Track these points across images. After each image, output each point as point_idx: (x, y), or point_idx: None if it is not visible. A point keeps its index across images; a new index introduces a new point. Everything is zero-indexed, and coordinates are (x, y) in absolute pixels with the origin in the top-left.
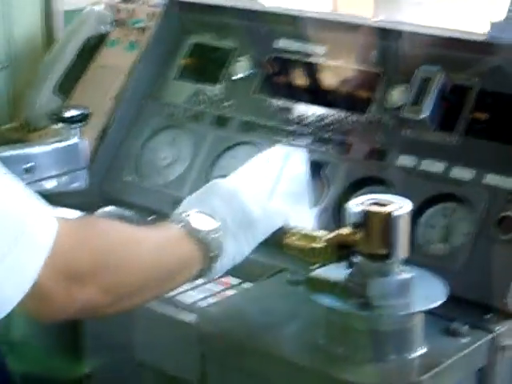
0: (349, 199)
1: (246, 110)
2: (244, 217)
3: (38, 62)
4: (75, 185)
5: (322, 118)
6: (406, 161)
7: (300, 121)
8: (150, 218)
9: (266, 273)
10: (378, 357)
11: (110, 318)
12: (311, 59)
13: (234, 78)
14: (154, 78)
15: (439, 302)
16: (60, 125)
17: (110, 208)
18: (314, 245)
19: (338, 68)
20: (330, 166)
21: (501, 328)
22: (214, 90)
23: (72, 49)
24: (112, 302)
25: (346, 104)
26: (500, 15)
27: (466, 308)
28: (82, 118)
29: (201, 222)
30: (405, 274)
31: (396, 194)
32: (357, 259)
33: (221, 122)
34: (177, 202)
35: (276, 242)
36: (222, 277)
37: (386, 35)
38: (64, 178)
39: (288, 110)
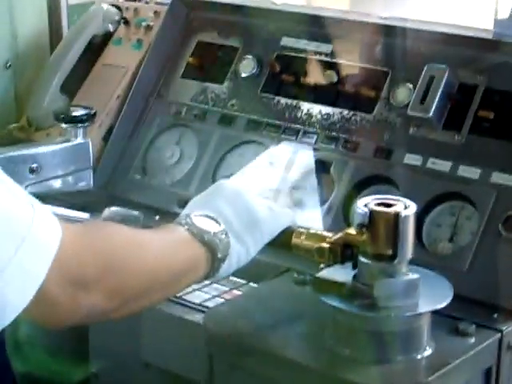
0: (355, 198)
1: (252, 108)
2: (250, 218)
3: (44, 60)
4: (81, 185)
5: (328, 117)
6: (412, 159)
7: (306, 119)
8: (156, 218)
9: (273, 273)
10: (385, 358)
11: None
12: (317, 57)
13: (240, 76)
14: (160, 77)
15: (446, 303)
16: (66, 124)
17: (115, 208)
18: (321, 245)
19: (344, 66)
20: (337, 164)
21: (508, 327)
22: (220, 88)
23: (78, 47)
24: (118, 307)
25: (353, 102)
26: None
27: (473, 308)
28: (88, 118)
29: (207, 223)
30: (411, 274)
31: (402, 192)
32: (363, 260)
33: (227, 120)
34: (183, 201)
35: (283, 241)
36: (228, 277)
37: (392, 33)
38: (70, 178)
39: (294, 108)
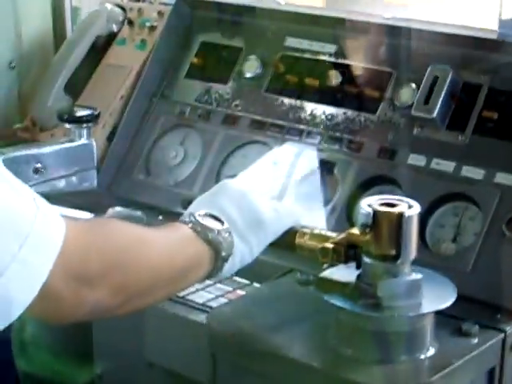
0: (359, 198)
1: (256, 108)
2: (254, 217)
3: (48, 60)
4: (85, 185)
5: (332, 117)
6: (416, 160)
7: (310, 120)
8: (159, 218)
9: (276, 273)
10: (389, 358)
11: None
12: (321, 58)
13: (244, 76)
14: (164, 77)
15: (449, 303)
16: (70, 125)
17: (119, 208)
18: (325, 245)
19: (348, 67)
20: (341, 164)
21: (511, 328)
22: (224, 88)
23: (82, 47)
24: (122, 303)
25: (356, 103)
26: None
27: (477, 308)
28: (92, 118)
29: (211, 222)
30: (415, 274)
31: (406, 192)
32: (366, 260)
33: (231, 120)
34: (187, 201)
35: (287, 241)
36: (231, 277)
37: (395, 33)
38: (73, 178)
39: (298, 108)
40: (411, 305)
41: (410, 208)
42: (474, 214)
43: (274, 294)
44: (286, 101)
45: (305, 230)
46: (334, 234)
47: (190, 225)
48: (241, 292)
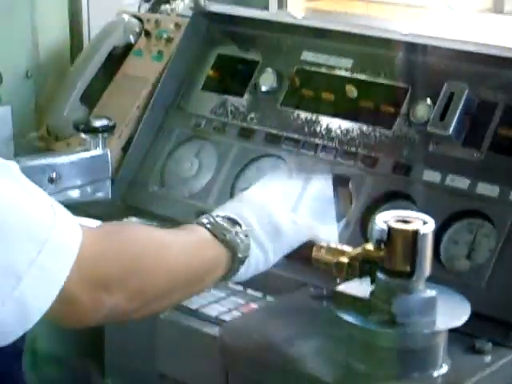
0: (374, 213)
1: (272, 122)
2: (271, 227)
3: (64, 70)
4: (99, 195)
5: (347, 132)
6: (431, 176)
7: (325, 134)
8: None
9: (290, 287)
10: (401, 374)
11: (133, 329)
12: (337, 72)
13: (259, 89)
14: (180, 89)
15: (463, 320)
16: (85, 134)
17: (133, 219)
18: (340, 259)
19: (364, 81)
20: (355, 179)
21: None
22: (240, 101)
23: (98, 58)
24: (138, 307)
25: (372, 118)
26: None
27: (490, 325)
28: (108, 129)
29: (228, 224)
30: (429, 291)
31: (420, 208)
32: (381, 276)
33: (246, 133)
34: (201, 213)
35: (303, 254)
36: (245, 290)
37: (412, 49)
38: (88, 188)
39: (313, 122)
40: (425, 322)
41: (424, 224)
42: (488, 231)
43: (286, 308)
44: (302, 115)
45: (321, 244)
46: (350, 249)
47: (208, 226)
48: (254, 305)
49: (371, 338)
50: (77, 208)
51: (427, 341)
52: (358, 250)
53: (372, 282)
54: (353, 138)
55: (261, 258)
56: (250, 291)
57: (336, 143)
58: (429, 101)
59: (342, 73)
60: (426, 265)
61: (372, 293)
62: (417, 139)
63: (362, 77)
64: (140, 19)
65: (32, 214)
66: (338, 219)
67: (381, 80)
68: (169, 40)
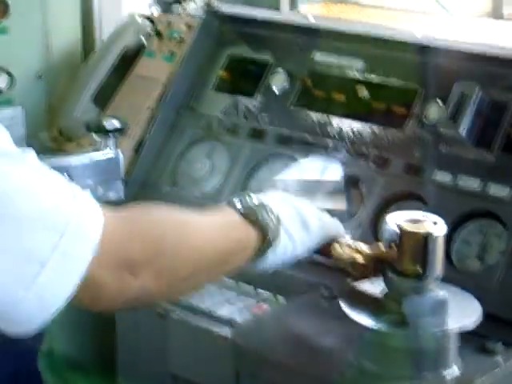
0: (385, 214)
1: (283, 122)
2: (300, 221)
3: (76, 71)
4: (111, 195)
5: (358, 133)
6: (442, 177)
7: (337, 135)
8: None
9: (301, 287)
10: (412, 374)
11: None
12: (349, 73)
13: (271, 90)
14: (192, 89)
15: (474, 321)
16: (97, 135)
17: None
18: (356, 258)
19: (375, 82)
20: (367, 180)
21: None
22: (252, 102)
23: (110, 58)
24: (166, 288)
25: (383, 119)
26: None
27: (501, 326)
28: (120, 129)
29: (260, 206)
30: (440, 292)
31: (432, 209)
32: (392, 276)
33: (257, 134)
34: None
35: (325, 251)
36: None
37: (424, 51)
38: (100, 189)
39: (325, 123)
40: (436, 322)
41: (435, 225)
42: (499, 232)
43: (298, 309)
44: (313, 115)
45: (341, 241)
46: (367, 248)
47: (239, 206)
48: (265, 305)
49: (382, 339)
50: None
51: (438, 341)
52: (373, 250)
53: (385, 282)
54: (364, 139)
55: (289, 246)
56: (261, 291)
57: (347, 144)
58: (440, 102)
59: (354, 74)
60: (438, 266)
61: (383, 293)
62: (428, 140)
63: (374, 78)
64: (152, 20)
65: (52, 200)
66: (349, 219)
67: (392, 81)
68: (180, 41)
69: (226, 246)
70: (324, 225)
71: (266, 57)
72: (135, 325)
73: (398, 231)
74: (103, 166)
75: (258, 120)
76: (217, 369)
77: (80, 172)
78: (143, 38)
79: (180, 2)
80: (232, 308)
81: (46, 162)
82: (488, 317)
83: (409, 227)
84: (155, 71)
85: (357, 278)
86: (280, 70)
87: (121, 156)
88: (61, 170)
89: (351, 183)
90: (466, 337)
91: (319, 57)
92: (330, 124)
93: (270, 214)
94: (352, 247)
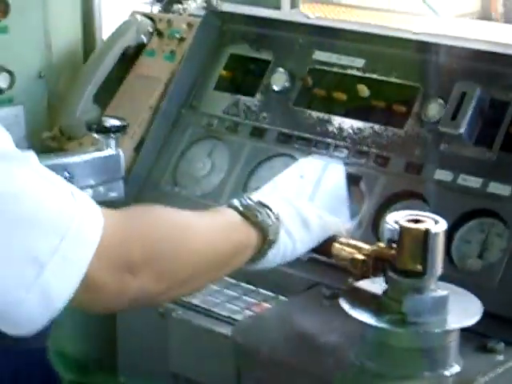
0: (386, 212)
1: (284, 121)
2: (300, 220)
3: (77, 70)
4: (112, 195)
5: (359, 131)
6: (442, 175)
7: (337, 133)
8: None
9: (302, 286)
10: (413, 373)
11: (146, 328)
12: (349, 72)
13: (271, 89)
14: (193, 89)
15: (475, 320)
16: (98, 135)
17: None
18: (356, 256)
19: (376, 81)
20: (367, 178)
21: None
22: (252, 101)
23: (111, 58)
24: (165, 290)
25: (384, 117)
26: None
27: (502, 325)
28: (120, 129)
29: (260, 207)
30: (440, 291)
31: (432, 208)
32: (392, 275)
33: (258, 133)
34: None
35: (323, 248)
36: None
37: (424, 48)
38: (101, 188)
39: (326, 122)
40: (437, 321)
41: (436, 224)
42: (500, 231)
43: (299, 308)
44: (314, 114)
45: (341, 240)
46: (367, 246)
47: (239, 207)
48: (266, 305)
49: (383, 338)
50: None
51: (439, 340)
52: (373, 247)
53: (385, 280)
54: (365, 138)
55: (289, 245)
56: (262, 291)
57: (348, 142)
58: (440, 100)
59: (354, 72)
60: (438, 264)
61: (384, 292)
62: (428, 138)
63: (374, 76)
64: (152, 19)
65: (53, 203)
66: (350, 218)
67: (393, 79)
68: (181, 40)
69: (227, 248)
70: (324, 224)
71: (266, 56)
72: (136, 324)
73: (397, 229)
74: (104, 165)
75: (258, 119)
76: (218, 367)
77: (81, 171)
78: (144, 37)
79: (180, 1)
80: (233, 307)
81: (47, 161)
82: (489, 316)
83: (409, 225)
84: (156, 70)
85: (357, 277)
86: (281, 68)
87: (122, 155)
88: (62, 169)
89: (352, 182)
90: (467, 336)
91: (320, 55)
92: (331, 123)
93: (269, 214)
94: (352, 246)
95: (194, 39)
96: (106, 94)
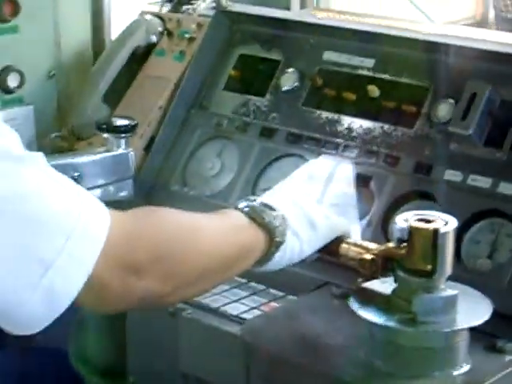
0: (395, 213)
1: (293, 121)
2: (306, 221)
3: (87, 70)
4: (122, 194)
5: (369, 131)
6: (452, 175)
7: (347, 133)
8: None
9: (311, 286)
10: (422, 373)
11: (155, 327)
12: (359, 72)
13: (281, 89)
14: (202, 89)
15: (484, 319)
16: (108, 134)
17: None
18: (364, 256)
19: (386, 81)
20: (377, 178)
21: None
22: (262, 101)
23: (121, 57)
24: (171, 292)
25: (394, 117)
26: None
27: (511, 325)
28: (130, 129)
29: (266, 208)
30: (450, 290)
31: (442, 208)
32: (402, 274)
33: (268, 133)
34: None
35: (331, 249)
36: (266, 288)
37: (434, 48)
38: (110, 188)
39: (335, 122)
40: (446, 320)
41: (446, 224)
42: (510, 231)
43: (308, 307)
44: (324, 114)
45: (349, 240)
46: (375, 246)
47: (246, 209)
48: (275, 304)
49: (392, 337)
50: None
51: (448, 340)
52: (382, 247)
53: (394, 280)
54: (374, 138)
55: (296, 246)
56: (271, 290)
57: (358, 142)
58: (450, 100)
59: (364, 72)
60: (447, 264)
61: (393, 291)
62: (438, 139)
63: (384, 76)
64: (162, 19)
65: (59, 203)
66: (360, 218)
67: (403, 80)
68: (191, 40)
69: (234, 250)
70: (331, 224)
71: (276, 56)
72: (145, 323)
73: (407, 228)
74: (114, 165)
75: (268, 119)
76: (227, 367)
77: (91, 171)
78: (153, 37)
79: (190, 1)
80: (242, 307)
81: (57, 161)
82: (498, 316)
83: (418, 224)
84: (165, 70)
85: (366, 277)
86: (290, 69)
87: (131, 155)
88: (71, 169)
89: (361, 182)
90: (476, 335)
91: (329, 55)
92: (341, 123)
93: (276, 215)
94: (360, 246)
95: (203, 39)
96: (115, 94)
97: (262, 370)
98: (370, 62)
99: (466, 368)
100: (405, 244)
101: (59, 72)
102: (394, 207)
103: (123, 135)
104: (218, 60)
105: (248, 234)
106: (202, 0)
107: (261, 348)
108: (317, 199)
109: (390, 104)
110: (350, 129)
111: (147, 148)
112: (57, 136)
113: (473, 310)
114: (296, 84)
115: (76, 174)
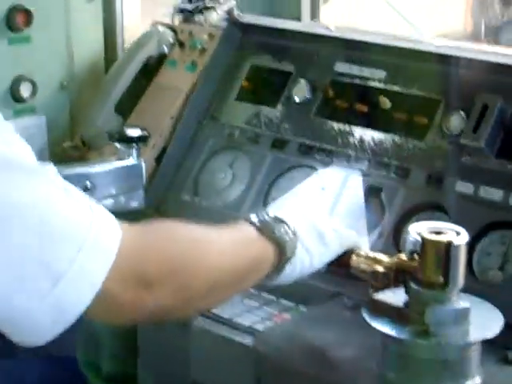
0: (407, 224)
1: (305, 132)
2: (316, 234)
3: (99, 80)
4: (133, 204)
5: (380, 143)
6: (464, 187)
7: (358, 145)
8: None
9: (323, 297)
10: None
11: (167, 337)
12: (371, 83)
13: (292, 100)
14: (214, 99)
15: (497, 331)
16: (119, 144)
17: None
18: (376, 268)
19: (397, 93)
20: (388, 190)
21: None
22: (273, 112)
23: (133, 68)
24: (182, 305)
25: (405, 129)
26: None
27: None
28: (142, 139)
29: (277, 222)
30: (462, 302)
31: (453, 220)
32: (414, 286)
33: (279, 144)
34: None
35: (342, 261)
36: (278, 300)
37: (445, 61)
38: (122, 198)
39: (347, 133)
40: (459, 333)
41: (458, 236)
42: None
43: (320, 318)
44: (335, 125)
45: (359, 252)
46: (387, 258)
47: (257, 222)
48: (287, 315)
49: (405, 349)
50: None
51: (460, 351)
52: (394, 259)
53: (406, 292)
54: (386, 149)
55: (306, 260)
56: (282, 301)
57: (369, 154)
58: (462, 113)
59: (376, 84)
60: (460, 276)
61: (406, 303)
62: (450, 151)
63: (396, 88)
64: (174, 30)
65: (71, 215)
66: (371, 230)
67: (414, 91)
68: (202, 51)
69: (244, 264)
70: (341, 236)
71: (287, 67)
72: (157, 333)
73: (420, 241)
74: (125, 175)
75: (279, 130)
76: (239, 378)
77: (102, 181)
78: (165, 48)
79: (202, 12)
80: (254, 317)
81: (69, 171)
82: (510, 327)
83: (431, 237)
84: (177, 81)
85: (378, 289)
86: (302, 80)
87: (143, 165)
88: (83, 178)
89: (373, 193)
90: (489, 348)
91: (341, 67)
92: (352, 134)
93: (286, 229)
94: (371, 258)
95: (215, 50)
96: (127, 104)
97: (274, 381)
98: (381, 74)
99: (478, 380)
100: (417, 256)
101: (71, 82)
102: (405, 219)
103: (135, 145)
104: (229, 71)
105: (258, 248)
106: (214, 11)
107: (273, 359)
108: (327, 212)
109: (401, 116)
110: (361, 140)
111: (159, 158)
112: (68, 146)
113: (485, 322)
114: (307, 95)
115: (88, 184)
